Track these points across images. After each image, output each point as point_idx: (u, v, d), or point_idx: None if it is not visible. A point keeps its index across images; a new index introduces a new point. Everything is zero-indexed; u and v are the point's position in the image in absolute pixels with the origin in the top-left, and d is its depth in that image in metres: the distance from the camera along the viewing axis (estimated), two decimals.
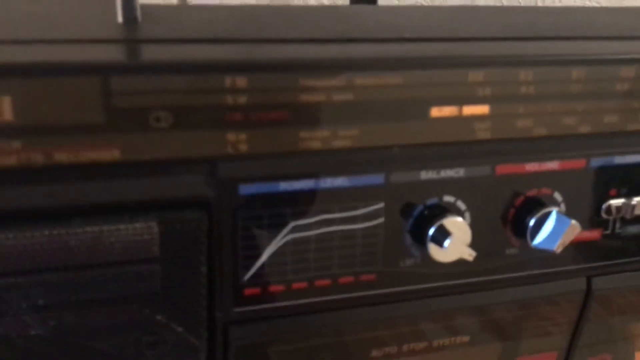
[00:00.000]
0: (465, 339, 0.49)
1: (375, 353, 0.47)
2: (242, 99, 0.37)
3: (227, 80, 0.37)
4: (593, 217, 0.48)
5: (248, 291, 0.41)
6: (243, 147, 0.38)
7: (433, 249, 0.42)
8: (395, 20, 0.50)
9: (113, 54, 0.38)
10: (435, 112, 0.42)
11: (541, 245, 0.44)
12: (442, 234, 0.42)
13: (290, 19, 0.50)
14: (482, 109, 0.43)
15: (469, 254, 0.42)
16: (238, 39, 0.41)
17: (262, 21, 0.47)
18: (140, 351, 0.41)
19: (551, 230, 0.44)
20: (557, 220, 0.44)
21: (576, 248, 0.49)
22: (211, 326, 0.42)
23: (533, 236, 0.45)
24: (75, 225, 0.36)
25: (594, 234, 0.49)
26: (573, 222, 0.44)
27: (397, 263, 0.44)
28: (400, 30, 0.46)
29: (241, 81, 0.37)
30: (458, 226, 0.42)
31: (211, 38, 0.40)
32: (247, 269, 0.41)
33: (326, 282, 0.43)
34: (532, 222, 0.44)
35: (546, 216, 0.44)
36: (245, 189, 0.39)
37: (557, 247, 0.44)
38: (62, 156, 0.36)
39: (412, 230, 0.43)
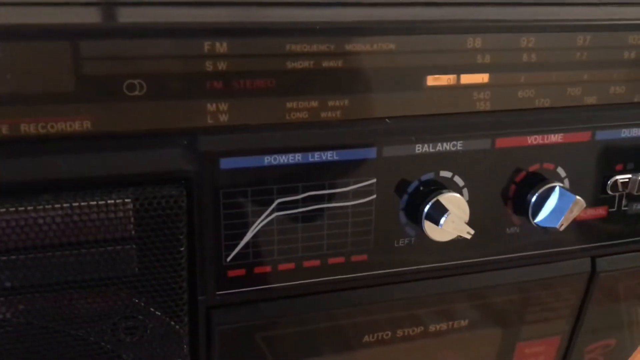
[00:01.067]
0: (464, 323, 0.47)
1: (368, 338, 0.45)
2: (223, 66, 0.35)
3: (206, 46, 0.35)
4: (598, 194, 0.46)
5: (232, 273, 0.39)
6: (224, 118, 0.36)
7: (429, 227, 0.40)
8: None
9: (83, 16, 0.35)
10: (431, 81, 0.39)
11: (544, 223, 0.42)
12: (438, 211, 0.40)
13: None
14: (481, 78, 0.41)
15: (467, 232, 0.40)
16: (220, 2, 0.38)
17: None
18: (118, 337, 0.39)
19: (554, 207, 0.42)
20: (561, 196, 0.42)
21: (580, 227, 0.47)
22: (193, 310, 0.40)
23: (535, 214, 0.43)
24: (44, 201, 0.34)
25: (598, 212, 0.47)
26: (577, 197, 0.42)
27: (390, 243, 0.42)
28: None
29: (221, 46, 0.35)
30: (455, 202, 0.40)
31: (191, 0, 0.38)
32: (231, 249, 0.39)
33: (315, 263, 0.41)
34: (534, 199, 0.42)
35: (549, 192, 0.42)
36: (227, 163, 0.37)
37: (560, 224, 0.42)
38: (28, 127, 0.34)
39: (406, 207, 0.41)
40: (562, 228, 0.42)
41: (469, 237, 0.40)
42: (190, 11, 0.37)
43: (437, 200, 0.40)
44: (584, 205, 0.42)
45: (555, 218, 0.42)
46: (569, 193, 0.42)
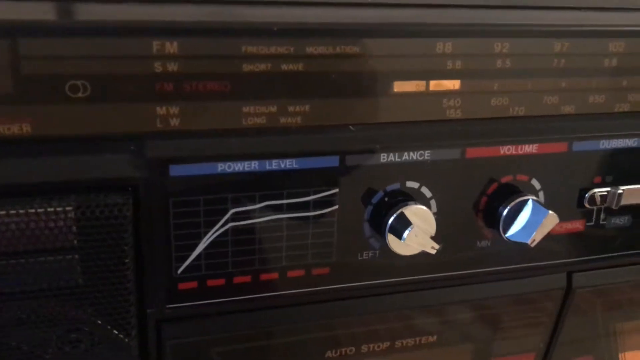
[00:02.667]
0: (432, 339, 0.46)
1: (331, 354, 0.44)
2: (173, 67, 0.34)
3: (155, 45, 0.33)
4: (575, 207, 0.45)
5: (183, 286, 0.38)
6: (175, 123, 0.34)
7: (392, 241, 0.39)
8: None
9: (24, 12, 0.34)
10: (398, 87, 0.38)
11: (515, 238, 0.41)
12: (402, 224, 0.38)
13: None
14: (452, 85, 0.39)
15: (431, 247, 0.38)
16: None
17: None
18: (62, 349, 0.38)
19: (526, 222, 0.41)
20: (534, 210, 0.40)
21: (556, 241, 0.45)
22: (143, 323, 0.38)
23: (506, 228, 0.41)
24: None
25: (575, 226, 0.45)
26: (550, 212, 0.40)
27: (354, 255, 0.41)
28: None
29: (172, 46, 0.33)
30: (421, 215, 0.39)
31: None
32: (182, 261, 0.37)
33: (273, 275, 0.39)
34: (505, 212, 0.41)
35: (521, 205, 0.41)
36: (177, 170, 0.35)
37: (532, 240, 0.40)
38: None
39: (371, 219, 0.40)
40: (534, 244, 0.41)
41: (433, 252, 0.39)
42: (142, 8, 0.35)
43: (402, 213, 0.38)
44: (557, 220, 0.41)
45: (527, 233, 0.40)
46: (541, 207, 0.40)
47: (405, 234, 0.38)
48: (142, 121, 0.34)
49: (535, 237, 0.40)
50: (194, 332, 0.39)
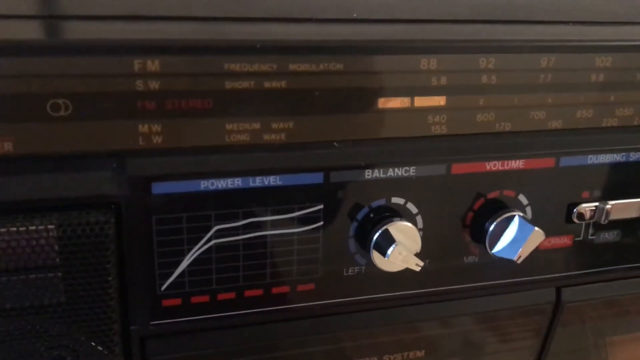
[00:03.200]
0: (420, 354, 0.46)
1: None
2: (155, 85, 0.34)
3: (137, 64, 0.33)
4: (563, 222, 0.45)
5: (166, 302, 0.38)
6: (157, 140, 0.35)
7: (377, 257, 0.39)
8: None
9: (5, 31, 0.34)
10: (383, 103, 0.38)
11: (501, 254, 0.41)
12: (386, 241, 0.38)
13: None
14: (438, 101, 0.39)
15: (415, 264, 0.38)
16: (159, 16, 0.37)
17: None
18: None
19: (513, 238, 0.41)
20: (520, 226, 0.40)
21: (544, 256, 0.45)
22: (127, 340, 0.38)
23: (493, 243, 0.41)
24: None
25: (563, 241, 0.45)
26: (536, 229, 0.40)
27: (339, 272, 0.41)
28: (351, 9, 0.42)
29: (153, 64, 0.33)
30: (406, 232, 0.39)
31: (128, 15, 0.36)
32: (165, 277, 0.37)
33: (257, 292, 0.40)
34: (491, 228, 0.41)
35: (508, 221, 0.41)
36: (160, 187, 0.35)
37: (517, 256, 0.40)
38: None
39: (356, 235, 0.40)
40: (520, 260, 0.41)
41: (417, 269, 0.39)
42: (124, 26, 0.35)
43: (386, 230, 0.38)
44: (543, 237, 0.41)
45: (514, 249, 0.40)
46: (527, 223, 0.40)
47: (389, 251, 0.38)
48: (124, 139, 0.34)
49: (521, 254, 0.40)
50: (178, 348, 0.39)
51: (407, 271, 0.41)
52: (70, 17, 0.36)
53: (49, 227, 0.34)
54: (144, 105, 0.34)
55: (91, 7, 0.38)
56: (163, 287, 0.38)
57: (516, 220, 0.41)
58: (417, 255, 0.40)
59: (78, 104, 0.33)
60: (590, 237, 0.46)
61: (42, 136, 0.33)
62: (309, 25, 0.38)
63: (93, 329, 0.37)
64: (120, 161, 0.35)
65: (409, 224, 0.39)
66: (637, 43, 0.42)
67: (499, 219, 0.41)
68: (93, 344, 0.38)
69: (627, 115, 0.44)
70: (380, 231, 0.38)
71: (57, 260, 0.35)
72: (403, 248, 0.38)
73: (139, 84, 0.33)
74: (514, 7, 0.47)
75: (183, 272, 0.37)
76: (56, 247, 0.34)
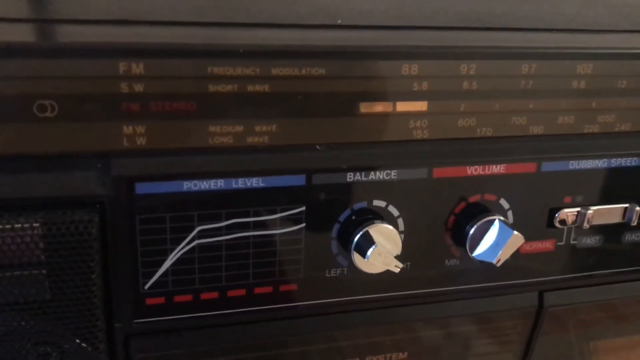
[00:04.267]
0: (403, 356, 0.47)
1: None
2: (140, 88, 0.35)
3: (121, 67, 0.34)
4: (545, 227, 0.46)
5: (150, 301, 0.39)
6: (141, 141, 0.36)
7: (357, 259, 0.40)
8: (336, 4, 0.47)
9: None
10: (365, 108, 0.39)
11: (482, 257, 0.42)
12: (367, 243, 0.39)
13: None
14: (419, 106, 0.40)
15: (395, 266, 0.39)
16: (145, 21, 0.38)
17: (179, 2, 0.44)
18: None
19: (493, 241, 0.42)
20: (500, 230, 0.41)
21: (527, 260, 0.46)
22: (111, 338, 0.39)
23: (473, 247, 0.42)
24: None
25: (546, 245, 0.46)
26: (515, 233, 0.41)
27: (322, 273, 0.42)
28: (336, 15, 0.43)
29: (137, 67, 0.34)
30: (386, 234, 0.40)
31: (115, 19, 0.37)
32: (149, 276, 0.38)
33: (240, 292, 0.41)
34: (471, 231, 0.42)
35: (488, 225, 0.42)
36: (143, 187, 0.36)
37: (497, 259, 0.41)
38: None
39: (338, 237, 0.41)
40: (499, 264, 0.42)
41: (397, 270, 0.40)
42: (109, 30, 0.36)
43: (367, 232, 0.39)
44: (522, 240, 0.42)
45: (493, 253, 0.41)
46: (507, 227, 0.41)
47: (369, 252, 0.39)
48: (109, 140, 0.35)
49: (500, 257, 0.41)
50: (161, 346, 0.40)
51: (390, 273, 0.42)
52: (58, 21, 0.37)
53: (35, 225, 0.35)
54: (129, 107, 0.35)
55: (80, 12, 0.39)
56: (147, 286, 0.39)
57: (496, 224, 0.41)
58: (398, 257, 0.41)
59: (64, 106, 0.34)
60: (572, 242, 0.47)
61: (29, 136, 0.34)
62: (294, 31, 0.39)
63: (77, 325, 0.38)
64: (105, 161, 0.36)
65: (390, 227, 0.40)
66: (618, 51, 0.43)
67: (479, 223, 0.42)
68: (78, 340, 0.39)
69: (608, 122, 0.45)
70: (360, 233, 0.39)
71: (42, 257, 0.36)
72: (382, 250, 0.39)
73: (124, 87, 0.35)
74: (497, 15, 0.48)
75: (166, 271, 0.39)
76: (41, 245, 0.35)
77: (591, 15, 0.52)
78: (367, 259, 0.39)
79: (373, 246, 0.39)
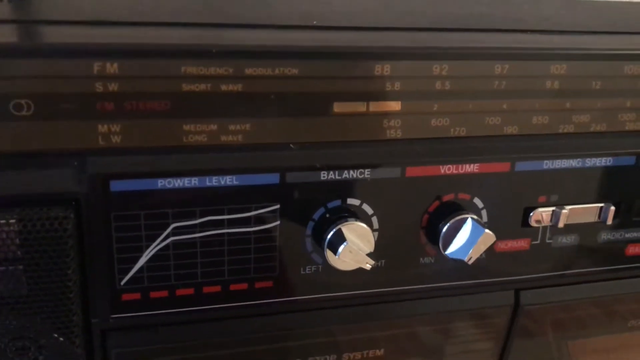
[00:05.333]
0: (380, 353, 0.48)
1: None
2: (114, 87, 0.36)
3: (96, 67, 0.35)
4: (519, 226, 0.47)
5: (126, 297, 0.40)
6: (116, 140, 0.37)
7: (330, 256, 0.41)
8: (314, 6, 0.48)
9: None
10: (338, 107, 0.40)
11: (454, 255, 0.43)
12: (338, 240, 0.40)
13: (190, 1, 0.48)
14: (393, 106, 0.41)
15: (366, 263, 0.40)
16: (121, 22, 0.39)
17: (156, 4, 0.45)
18: (8, 357, 0.40)
19: (466, 240, 0.43)
20: (473, 228, 0.42)
21: (503, 258, 0.47)
22: (88, 332, 0.41)
23: (446, 245, 0.43)
24: None
25: (521, 244, 0.47)
26: (486, 231, 0.42)
27: (297, 270, 0.43)
28: (313, 17, 0.44)
29: (112, 67, 0.35)
30: (359, 232, 0.41)
31: (91, 20, 0.39)
32: (125, 272, 0.39)
33: (215, 288, 0.42)
34: (444, 230, 0.43)
35: (460, 223, 0.43)
36: (118, 185, 0.37)
37: (468, 257, 0.42)
38: None
39: (313, 234, 0.42)
40: (471, 261, 0.42)
41: (368, 268, 0.41)
42: (85, 30, 0.37)
43: (339, 229, 0.40)
44: (494, 239, 0.42)
45: (465, 251, 0.42)
46: (478, 226, 0.42)
47: (340, 249, 0.40)
48: (84, 138, 0.36)
49: (471, 255, 0.42)
50: (138, 342, 0.41)
51: (364, 271, 0.43)
52: (35, 22, 0.38)
53: (11, 221, 0.36)
54: (104, 106, 0.36)
55: (56, 13, 0.40)
56: (123, 282, 0.40)
57: (468, 222, 0.42)
58: (372, 255, 0.42)
59: (40, 104, 0.35)
60: (547, 241, 0.48)
61: (6, 135, 0.35)
62: (268, 31, 0.40)
63: (54, 321, 0.39)
64: (80, 159, 0.37)
65: (362, 224, 0.41)
66: (592, 52, 0.44)
67: (451, 221, 0.43)
68: (55, 335, 0.40)
69: (583, 122, 0.45)
70: (333, 231, 0.40)
71: (19, 253, 0.37)
72: (353, 247, 0.40)
73: (99, 86, 0.36)
74: (474, 16, 0.49)
75: (142, 267, 0.40)
76: (18, 241, 0.36)
77: (570, 17, 0.53)
78: (338, 256, 0.40)
79: (344, 243, 0.40)
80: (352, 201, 0.42)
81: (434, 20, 0.47)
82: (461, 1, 0.56)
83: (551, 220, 0.47)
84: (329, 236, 0.41)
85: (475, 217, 0.43)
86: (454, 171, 0.43)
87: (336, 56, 0.39)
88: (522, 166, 0.45)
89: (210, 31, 0.39)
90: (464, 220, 0.43)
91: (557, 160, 0.46)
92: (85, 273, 0.39)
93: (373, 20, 0.46)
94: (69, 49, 0.35)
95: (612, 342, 0.54)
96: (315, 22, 0.42)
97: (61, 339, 0.40)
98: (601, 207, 0.48)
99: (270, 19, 0.43)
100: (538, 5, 0.55)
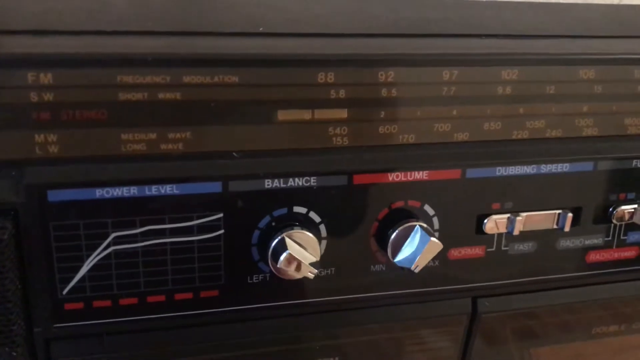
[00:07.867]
0: None
1: None
2: (49, 97, 0.36)
3: (30, 77, 0.36)
4: (474, 233, 0.47)
5: (69, 306, 0.41)
6: (53, 150, 0.37)
7: (273, 265, 0.41)
8: (263, 13, 0.49)
9: None
10: (283, 115, 0.40)
11: (403, 263, 0.43)
12: (283, 249, 0.40)
13: (137, 8, 0.48)
14: (338, 114, 0.41)
15: (309, 272, 0.41)
16: (59, 31, 0.39)
17: (98, 13, 0.46)
18: None
19: (415, 248, 0.43)
20: (420, 236, 0.43)
21: (457, 266, 0.47)
22: (31, 342, 0.41)
23: (395, 252, 0.43)
24: None
25: (475, 252, 0.47)
26: (432, 239, 0.42)
27: (243, 279, 0.43)
28: (260, 23, 0.45)
29: (46, 77, 0.36)
30: (303, 240, 0.41)
31: (29, 29, 0.39)
32: (66, 282, 0.40)
33: (160, 298, 0.42)
34: (392, 237, 0.43)
35: (408, 231, 0.43)
36: (55, 195, 0.38)
37: (415, 265, 0.42)
38: None
39: (259, 243, 0.42)
40: (417, 270, 0.43)
41: (311, 276, 0.41)
42: (17, 41, 0.38)
43: (282, 238, 0.41)
44: (440, 247, 0.43)
45: (413, 259, 0.42)
46: (425, 234, 0.42)
47: (281, 258, 0.40)
48: (21, 148, 0.37)
49: (418, 263, 0.42)
50: (83, 351, 0.42)
51: (316, 279, 0.43)
52: None
53: None
54: (39, 116, 0.37)
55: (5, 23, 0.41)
56: (64, 291, 0.40)
57: (417, 230, 0.43)
58: (319, 263, 0.42)
59: None
60: (504, 248, 0.48)
61: None
62: (209, 39, 0.41)
63: None
64: (17, 170, 0.37)
65: (307, 233, 0.41)
66: (544, 57, 0.44)
67: (399, 228, 0.43)
68: None
69: (538, 128, 0.46)
70: (277, 239, 0.41)
71: None
72: (295, 256, 0.40)
73: (33, 96, 0.36)
74: (429, 21, 0.49)
75: (83, 277, 0.40)
76: None
77: (531, 21, 0.53)
78: (279, 265, 0.40)
79: (285, 252, 0.40)
80: (299, 209, 0.42)
81: (385, 26, 0.47)
82: (419, 6, 0.56)
83: (507, 228, 0.47)
84: (272, 244, 0.41)
85: (423, 224, 0.43)
86: (403, 178, 0.44)
87: (277, 63, 0.39)
88: (474, 173, 0.45)
89: (151, 39, 0.40)
90: (412, 228, 0.43)
91: (511, 167, 0.46)
92: (26, 283, 0.40)
93: (323, 26, 0.46)
94: (2, 59, 0.36)
95: (577, 350, 0.54)
96: (261, 29, 0.43)
97: (7, 348, 0.41)
98: (559, 214, 0.48)
99: (214, 25, 0.44)
100: (500, 11, 0.55)
